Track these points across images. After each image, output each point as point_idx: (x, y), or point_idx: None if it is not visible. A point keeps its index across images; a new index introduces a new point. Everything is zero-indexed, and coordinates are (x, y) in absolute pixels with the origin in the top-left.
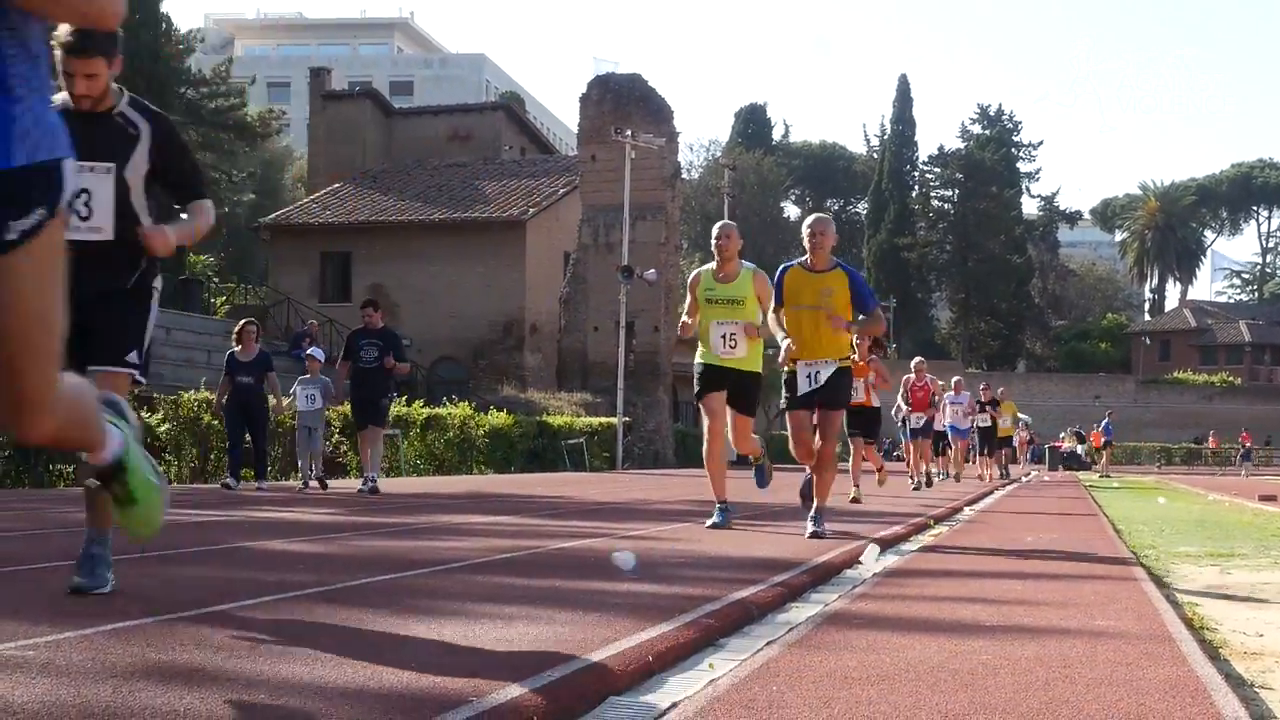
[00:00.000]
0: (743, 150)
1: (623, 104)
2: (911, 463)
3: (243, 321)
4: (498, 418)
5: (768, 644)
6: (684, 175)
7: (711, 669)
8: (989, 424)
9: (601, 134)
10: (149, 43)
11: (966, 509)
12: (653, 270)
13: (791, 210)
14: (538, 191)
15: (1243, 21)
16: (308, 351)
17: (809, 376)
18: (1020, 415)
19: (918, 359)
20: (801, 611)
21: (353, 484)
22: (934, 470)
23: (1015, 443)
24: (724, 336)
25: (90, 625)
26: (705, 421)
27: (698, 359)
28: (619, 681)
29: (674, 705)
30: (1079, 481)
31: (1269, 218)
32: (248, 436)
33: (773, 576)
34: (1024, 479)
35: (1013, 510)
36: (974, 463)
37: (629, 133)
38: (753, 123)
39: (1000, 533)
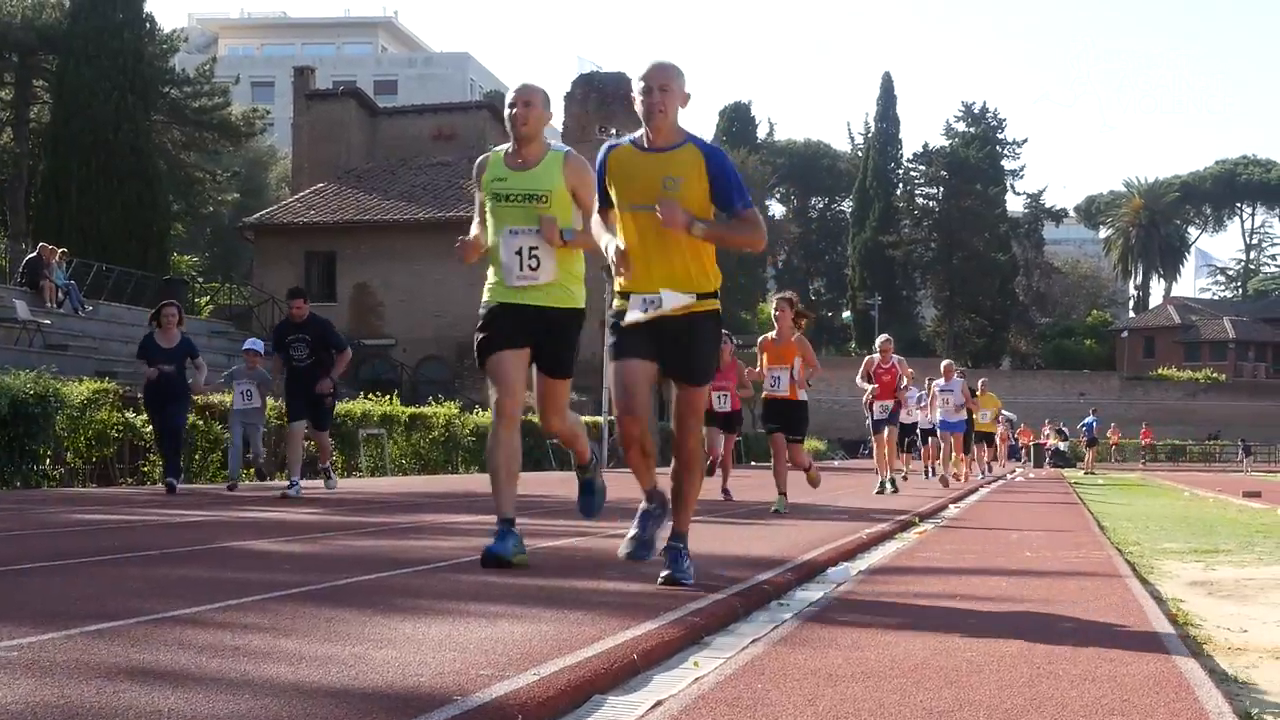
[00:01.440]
0: (727, 148)
1: (607, 103)
2: (877, 459)
3: (161, 304)
4: (483, 417)
5: (753, 642)
6: None
7: (697, 667)
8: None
9: (586, 133)
10: (132, 42)
11: (951, 506)
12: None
13: (777, 209)
14: None
15: (1225, 20)
16: (245, 345)
17: (644, 311)
18: (1006, 413)
19: (883, 337)
20: (787, 609)
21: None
22: (900, 470)
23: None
24: (520, 252)
25: (74, 626)
26: (493, 394)
27: (485, 293)
28: (604, 680)
29: (659, 703)
30: (1064, 479)
31: (1253, 214)
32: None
33: (758, 574)
34: (1009, 476)
35: (997, 508)
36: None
37: (614, 131)
38: (737, 121)
39: (985, 530)
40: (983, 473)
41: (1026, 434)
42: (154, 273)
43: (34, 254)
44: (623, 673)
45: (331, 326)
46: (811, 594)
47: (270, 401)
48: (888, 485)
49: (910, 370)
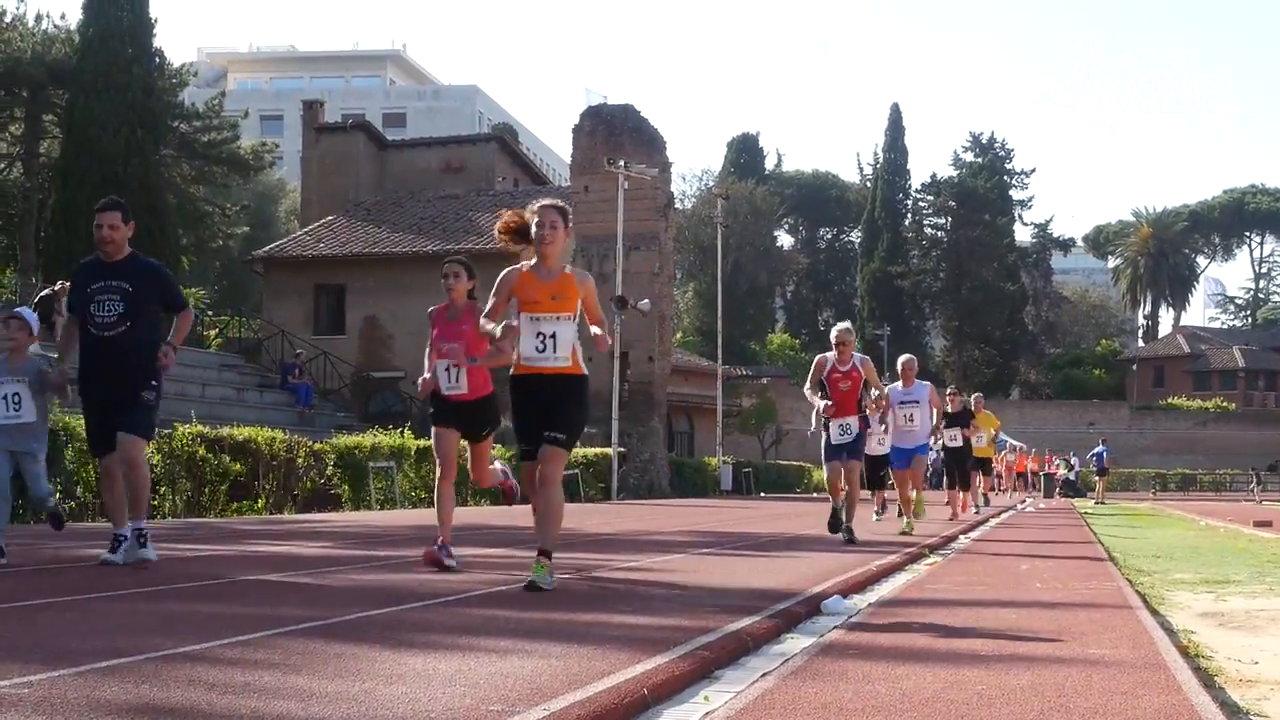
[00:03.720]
0: (735, 180)
1: (615, 134)
2: (830, 490)
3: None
4: (494, 450)
5: (763, 675)
6: (677, 205)
7: (707, 701)
8: (959, 443)
9: (594, 165)
10: (141, 77)
11: (961, 538)
12: (646, 300)
13: (785, 239)
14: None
15: (1234, 47)
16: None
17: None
18: (1008, 438)
19: (840, 327)
20: (797, 642)
21: (336, 520)
22: (874, 509)
23: (998, 466)
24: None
25: (84, 663)
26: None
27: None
28: (614, 715)
29: None
30: (1074, 509)
31: (1261, 243)
32: None
33: (768, 607)
34: (1020, 507)
35: (1007, 539)
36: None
37: (622, 163)
38: (745, 152)
39: (994, 562)
40: (977, 508)
41: (1023, 461)
42: None
43: (47, 291)
44: (633, 708)
45: (166, 274)
46: (822, 627)
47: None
48: (843, 525)
49: (881, 385)
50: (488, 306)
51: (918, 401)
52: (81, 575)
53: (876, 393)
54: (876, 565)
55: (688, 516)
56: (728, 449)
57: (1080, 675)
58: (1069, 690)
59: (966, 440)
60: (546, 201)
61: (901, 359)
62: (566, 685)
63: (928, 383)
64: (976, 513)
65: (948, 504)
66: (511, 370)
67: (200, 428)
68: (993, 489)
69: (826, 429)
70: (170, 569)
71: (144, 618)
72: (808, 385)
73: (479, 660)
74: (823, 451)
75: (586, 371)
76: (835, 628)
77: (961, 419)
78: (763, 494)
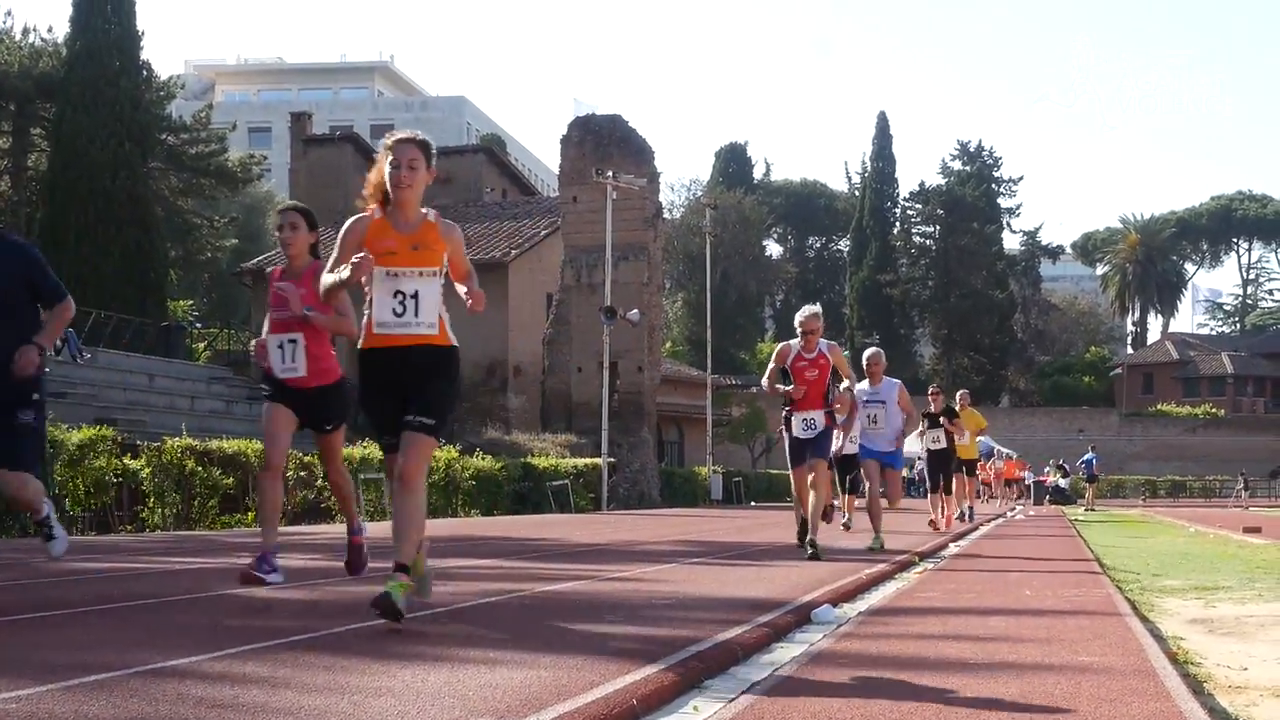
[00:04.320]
0: (724, 189)
1: (603, 145)
2: (797, 495)
3: None
4: (484, 461)
5: (752, 685)
6: (665, 215)
7: (696, 711)
8: (942, 445)
9: (582, 175)
10: (129, 90)
11: (951, 545)
12: (635, 310)
13: (774, 249)
14: (519, 233)
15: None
16: None
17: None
18: (994, 443)
19: (806, 311)
20: (786, 652)
21: (326, 532)
22: (842, 515)
23: (984, 474)
24: None
25: (72, 677)
26: None
27: None
28: None
29: None
30: (1064, 516)
31: (1249, 249)
32: None
33: (757, 617)
34: (1010, 514)
35: (996, 546)
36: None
37: (610, 173)
38: (733, 162)
39: (984, 569)
40: (963, 514)
41: (1012, 468)
42: (152, 319)
43: None
44: (622, 718)
45: (34, 254)
46: (812, 636)
47: None
48: (808, 540)
49: (853, 376)
50: (329, 261)
51: (884, 402)
52: (68, 589)
53: (846, 384)
54: (866, 574)
55: (678, 526)
56: (718, 458)
57: (1070, 682)
58: (1058, 698)
59: (951, 442)
60: (402, 135)
61: (867, 353)
62: (556, 696)
63: (898, 381)
64: (962, 520)
65: (931, 524)
66: (360, 343)
67: (189, 440)
68: (978, 495)
69: (788, 424)
70: (159, 582)
71: (132, 631)
72: (766, 377)
73: (468, 672)
74: (786, 454)
75: (456, 342)
76: (825, 637)
77: (945, 419)
78: (753, 503)
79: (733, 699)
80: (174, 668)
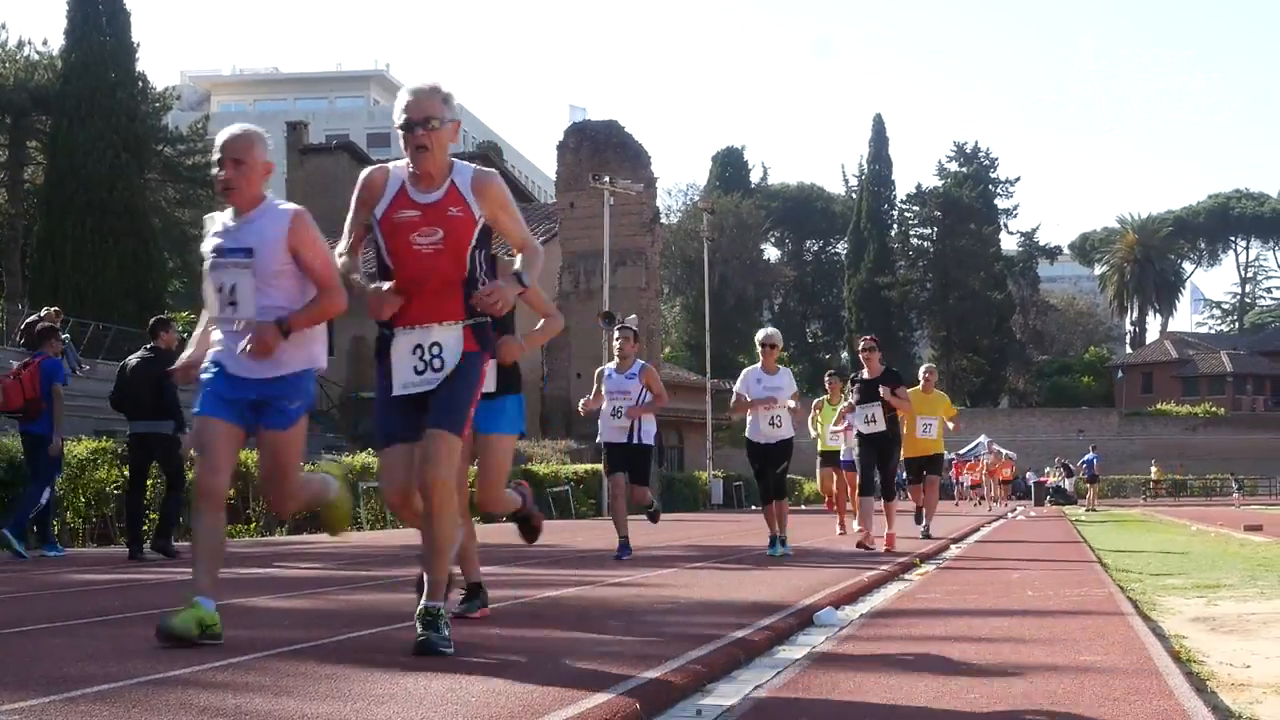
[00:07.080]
0: (721, 193)
1: (600, 151)
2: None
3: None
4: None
5: (756, 688)
6: (663, 220)
7: (700, 715)
8: (878, 426)
9: (579, 181)
10: (125, 102)
11: (952, 547)
12: (634, 316)
13: (771, 252)
14: None
15: (1215, 57)
16: None
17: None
18: (987, 440)
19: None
20: (789, 654)
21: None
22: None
23: (974, 475)
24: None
25: (76, 688)
26: None
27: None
28: None
29: None
30: (1065, 516)
31: (1247, 248)
32: None
33: (760, 620)
34: (1011, 514)
35: (998, 547)
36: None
37: (607, 179)
38: (730, 166)
39: (986, 570)
40: (923, 524)
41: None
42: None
43: (33, 318)
44: None
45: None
46: (814, 638)
47: None
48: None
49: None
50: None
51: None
52: (72, 600)
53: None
54: (868, 576)
55: (679, 531)
56: (718, 463)
57: (1073, 682)
58: (1062, 697)
59: (894, 425)
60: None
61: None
62: (559, 702)
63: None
64: (925, 536)
65: (860, 543)
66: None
67: (192, 452)
68: (981, 499)
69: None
70: (161, 593)
71: (135, 642)
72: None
73: (471, 679)
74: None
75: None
76: (828, 639)
77: (880, 388)
78: (754, 507)
79: (736, 702)
80: (177, 677)
